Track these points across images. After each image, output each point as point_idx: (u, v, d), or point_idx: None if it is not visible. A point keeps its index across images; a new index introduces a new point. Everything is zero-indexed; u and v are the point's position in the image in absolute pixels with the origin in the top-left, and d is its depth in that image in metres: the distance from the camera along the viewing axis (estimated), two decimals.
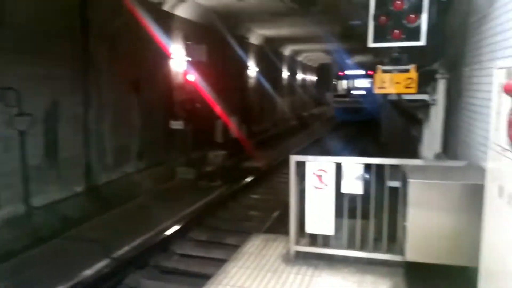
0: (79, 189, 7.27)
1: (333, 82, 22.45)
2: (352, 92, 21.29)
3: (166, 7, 10.33)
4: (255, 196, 8.79)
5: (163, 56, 10.32)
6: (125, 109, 8.83)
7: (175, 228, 6.29)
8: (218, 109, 12.65)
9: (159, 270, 5.23)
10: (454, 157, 3.97)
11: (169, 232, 6.14)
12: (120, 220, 6.93)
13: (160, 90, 10.34)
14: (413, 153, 5.91)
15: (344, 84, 21.50)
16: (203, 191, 8.83)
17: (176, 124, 10.00)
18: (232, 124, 12.88)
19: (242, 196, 8.67)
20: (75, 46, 7.18)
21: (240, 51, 16.15)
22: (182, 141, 10.55)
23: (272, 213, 7.14)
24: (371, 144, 15.81)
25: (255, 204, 8.14)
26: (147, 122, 9.65)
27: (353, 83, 21.53)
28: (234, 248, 5.36)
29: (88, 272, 4.99)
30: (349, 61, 22.40)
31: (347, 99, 20.89)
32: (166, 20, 10.37)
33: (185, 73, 10.63)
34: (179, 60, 10.91)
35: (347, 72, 21.79)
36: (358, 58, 31.09)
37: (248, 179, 9.67)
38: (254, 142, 14.76)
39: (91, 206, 7.17)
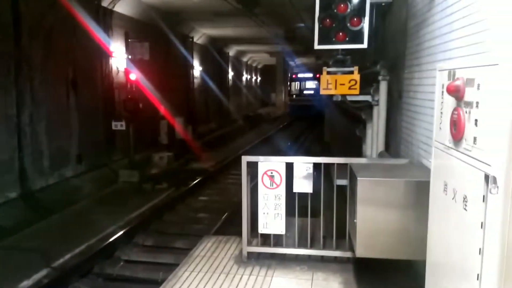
0: (12, 195, 6.83)
1: (288, 83, 26.14)
2: (304, 92, 24.59)
3: (105, 3, 9.90)
4: (203, 198, 8.75)
5: (103, 54, 9.90)
6: (62, 109, 8.37)
7: (120, 233, 6.06)
8: (162, 109, 12.41)
9: (103, 277, 5.03)
10: (397, 155, 4.16)
11: (113, 237, 5.89)
12: (59, 227, 6.58)
13: (100, 89, 9.92)
14: (357, 152, 6.15)
15: (297, 85, 25.13)
16: (148, 194, 8.67)
17: (118, 125, 9.66)
18: (178, 125, 12.71)
19: (190, 198, 8.61)
20: (6, 42, 6.65)
21: (184, 50, 15.91)
22: (125, 142, 10.25)
23: (222, 215, 7.12)
24: (315, 144, 16.35)
25: (204, 206, 8.10)
26: (86, 122, 9.21)
27: (305, 85, 24.91)
28: (183, 252, 5.27)
29: (27, 283, 4.69)
30: (300, 65, 26.97)
31: (299, 97, 24.20)
32: (105, 17, 9.94)
33: (127, 72, 10.27)
34: (120, 59, 10.51)
35: (300, 75, 25.53)
36: (302, 60, 31.90)
37: (196, 181, 9.63)
38: (201, 143, 14.69)
39: (27, 213, 6.76)
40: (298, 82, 24.59)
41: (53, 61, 7.94)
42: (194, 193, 9.08)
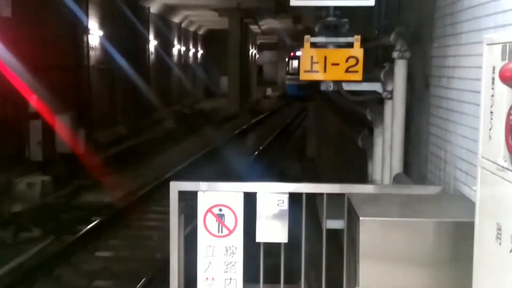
0: None
1: (286, 61, 42.93)
2: None
3: None
4: (104, 254, 8.73)
5: None
6: None
7: None
8: (34, 101, 12.14)
9: None
10: (421, 180, 4.27)
11: None
12: None
13: None
14: (359, 175, 6.26)
15: (295, 63, 36.29)
16: (6, 249, 8.51)
17: None
18: (61, 128, 12.48)
19: (81, 255, 8.57)
20: None
21: (72, 3, 15.67)
22: None
23: (137, 283, 7.13)
24: (292, 160, 16.50)
25: (104, 268, 8.08)
26: None
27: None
28: None
29: None
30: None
31: (298, 76, 29.28)
32: None
33: None
34: None
35: (298, 53, 32.87)
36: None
37: (91, 225, 9.55)
38: (102, 158, 14.47)
39: None
40: (297, 60, 34.48)
41: None
42: (88, 245, 8.98)
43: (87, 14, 17.40)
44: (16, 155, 11.78)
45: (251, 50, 48.61)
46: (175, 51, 34.21)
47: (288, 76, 41.23)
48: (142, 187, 12.64)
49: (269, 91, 51.75)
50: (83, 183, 12.37)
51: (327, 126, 12.78)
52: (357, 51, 4.50)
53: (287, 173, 14.52)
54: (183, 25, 36.40)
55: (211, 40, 44.77)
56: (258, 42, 58.29)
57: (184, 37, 37.35)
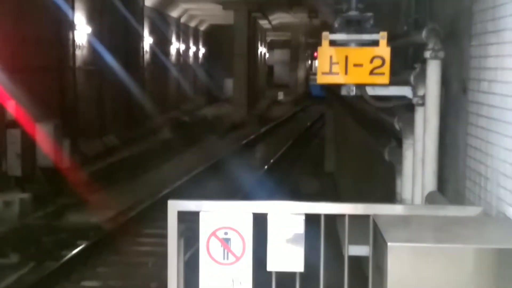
0: None
1: (308, 62, 45.23)
2: None
3: None
4: (91, 284, 8.78)
5: None
6: None
7: None
8: (11, 107, 12.20)
9: None
10: (459, 199, 4.25)
11: None
12: None
13: None
14: (386, 194, 6.24)
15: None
16: None
17: None
18: (44, 139, 12.55)
19: (65, 285, 8.59)
20: None
21: None
22: None
23: None
24: (309, 176, 16.48)
25: None
26: None
27: None
28: None
29: None
30: None
31: None
32: None
33: None
34: None
35: None
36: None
37: (77, 250, 9.58)
38: (89, 172, 14.50)
39: None
40: None
41: None
42: (73, 274, 9.01)
43: (73, 8, 17.53)
44: None
45: (260, 49, 48.83)
46: (173, 49, 34.40)
47: (312, 76, 47.63)
48: (135, 206, 12.65)
49: (280, 95, 51.72)
50: (67, 202, 12.40)
51: (348, 136, 12.76)
52: (383, 50, 4.50)
53: (302, 191, 14.50)
54: (182, 20, 36.63)
55: (214, 37, 45.02)
56: (268, 39, 58.56)
57: (184, 34, 37.58)
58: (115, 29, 21.45)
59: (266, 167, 18.21)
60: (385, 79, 4.53)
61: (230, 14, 32.42)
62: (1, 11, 12.39)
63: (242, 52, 32.51)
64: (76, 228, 10.91)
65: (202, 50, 44.45)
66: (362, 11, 4.76)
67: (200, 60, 43.39)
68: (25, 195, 11.25)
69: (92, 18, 19.31)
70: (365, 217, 3.46)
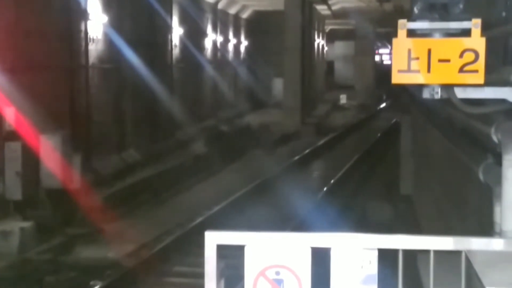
0: None
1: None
2: None
3: None
4: None
5: None
6: None
7: None
8: (11, 115, 12.36)
9: None
10: None
11: None
12: None
13: None
14: (481, 224, 6.17)
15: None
16: None
17: None
18: (50, 154, 12.71)
19: None
20: None
21: None
22: None
23: None
24: (381, 200, 16.38)
25: None
26: None
27: None
28: None
29: None
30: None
31: None
32: None
33: None
34: None
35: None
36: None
37: None
38: (105, 196, 14.60)
39: None
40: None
41: None
42: None
43: None
44: None
45: (317, 41, 48.95)
46: (208, 43, 34.67)
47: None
48: (161, 237, 12.71)
49: (343, 99, 51.67)
50: (78, 232, 12.52)
51: (430, 151, 12.68)
52: (477, 42, 4.46)
53: (372, 220, 14.42)
54: (220, 6, 36.93)
55: (259, 26, 45.26)
56: (328, 28, 58.67)
57: (222, 23, 37.86)
58: (137, 18, 21.67)
59: (325, 189, 18.16)
60: (479, 78, 4.48)
61: None
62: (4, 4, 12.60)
63: (294, 45, 32.59)
64: (89, 265, 10.99)
65: (244, 43, 44.71)
66: None
67: (242, 55, 43.63)
68: (27, 224, 11.38)
69: (109, 5, 19.52)
70: (455, 254, 3.43)
